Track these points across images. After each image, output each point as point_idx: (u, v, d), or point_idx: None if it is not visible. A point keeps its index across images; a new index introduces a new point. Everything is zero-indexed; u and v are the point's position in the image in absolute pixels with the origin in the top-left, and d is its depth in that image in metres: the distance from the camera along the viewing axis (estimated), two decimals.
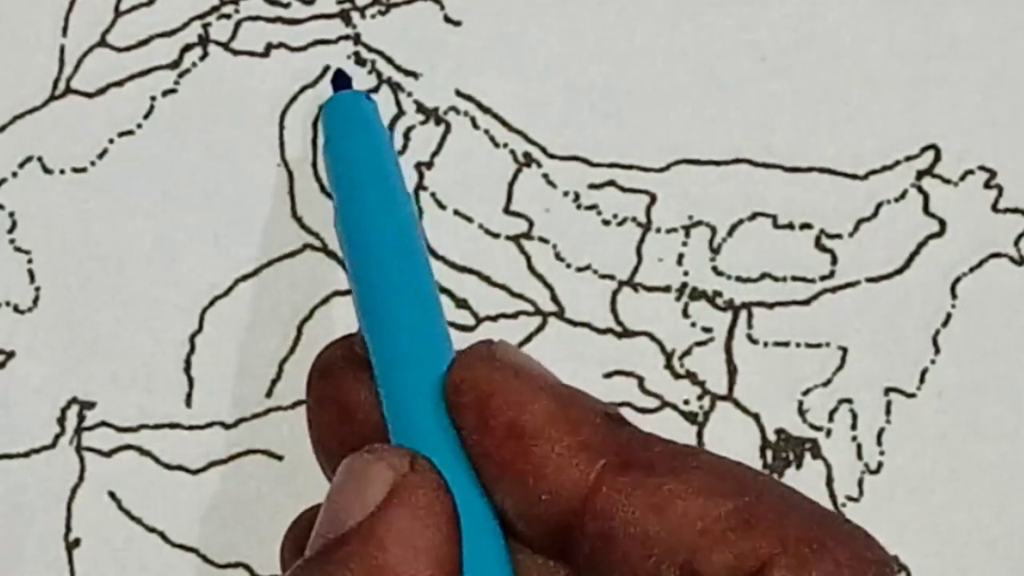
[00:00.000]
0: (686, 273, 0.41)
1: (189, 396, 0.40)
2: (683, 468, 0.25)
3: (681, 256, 0.41)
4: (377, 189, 0.33)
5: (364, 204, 0.33)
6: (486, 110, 0.41)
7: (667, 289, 0.41)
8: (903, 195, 0.41)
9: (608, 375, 0.40)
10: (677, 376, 0.40)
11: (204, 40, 0.42)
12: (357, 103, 0.37)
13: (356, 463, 0.27)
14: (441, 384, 0.28)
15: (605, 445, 0.26)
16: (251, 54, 0.42)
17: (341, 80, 0.39)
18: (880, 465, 0.40)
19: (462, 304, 0.40)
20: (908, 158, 0.41)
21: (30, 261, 0.41)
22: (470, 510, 0.27)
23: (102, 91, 0.42)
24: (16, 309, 0.41)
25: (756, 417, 0.40)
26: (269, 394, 0.40)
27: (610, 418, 0.27)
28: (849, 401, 0.40)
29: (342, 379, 0.30)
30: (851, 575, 0.24)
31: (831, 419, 0.40)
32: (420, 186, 0.41)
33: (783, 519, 0.24)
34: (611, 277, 0.41)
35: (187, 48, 0.42)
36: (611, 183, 0.41)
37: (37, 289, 0.41)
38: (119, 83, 0.42)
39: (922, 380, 0.40)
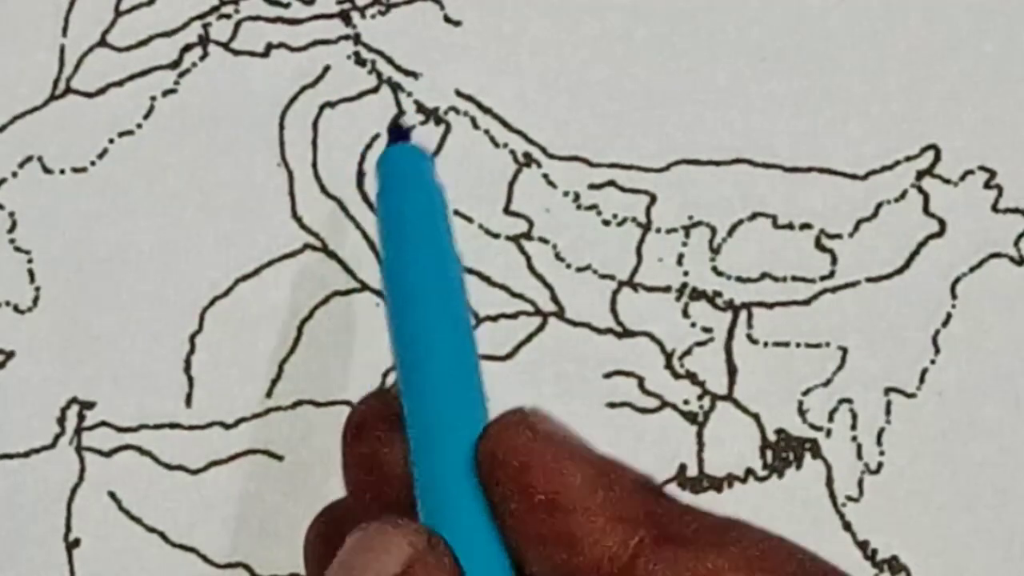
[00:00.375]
0: (686, 273, 0.41)
1: (189, 396, 0.40)
2: (723, 542, 0.25)
3: (681, 256, 0.41)
4: (429, 249, 0.33)
5: (414, 263, 0.32)
6: (486, 110, 0.41)
7: (667, 289, 0.41)
8: (903, 195, 0.41)
9: (608, 375, 0.40)
10: (677, 376, 0.40)
11: (204, 40, 0.42)
12: (416, 159, 0.37)
13: (374, 533, 0.27)
14: (474, 452, 0.28)
15: (643, 517, 0.26)
16: (251, 54, 0.42)
17: (399, 132, 0.38)
18: (880, 465, 0.40)
19: None
20: (908, 158, 0.41)
21: (30, 261, 0.41)
22: None
23: (102, 91, 0.42)
24: (16, 309, 0.41)
25: (756, 417, 0.40)
26: (269, 394, 0.40)
27: (648, 489, 0.27)
28: (849, 401, 0.40)
29: (377, 437, 0.30)
30: None
31: (831, 419, 0.40)
32: None
33: None
34: (611, 277, 0.41)
35: (187, 48, 0.42)
36: (611, 183, 0.41)
37: (37, 289, 0.41)
38: (119, 83, 0.42)
39: (922, 380, 0.40)
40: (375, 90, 0.42)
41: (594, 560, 0.26)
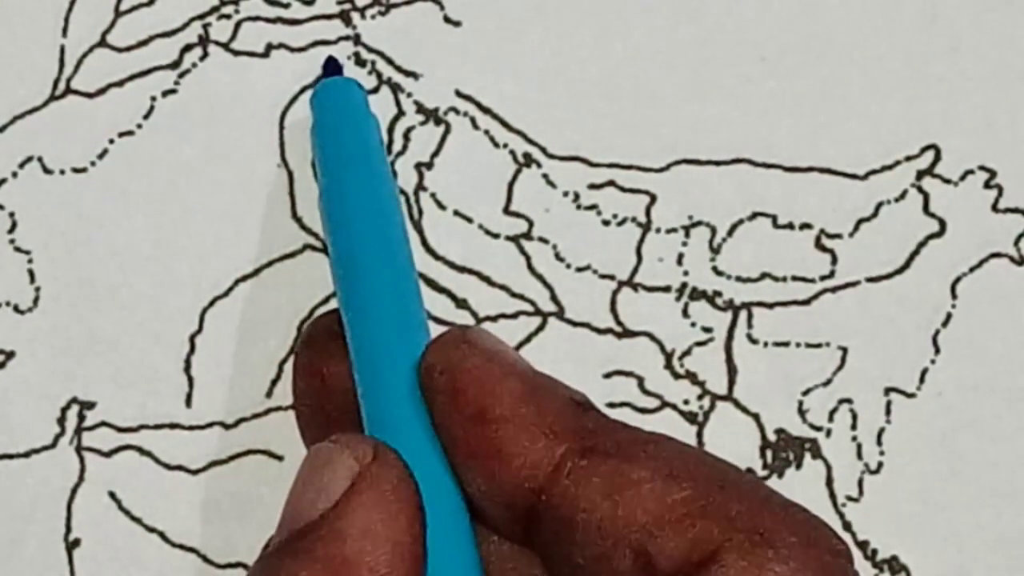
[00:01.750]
0: (686, 273, 0.41)
1: (189, 396, 0.40)
2: (642, 454, 0.26)
3: (681, 256, 0.41)
4: (362, 174, 0.34)
5: (348, 187, 0.33)
6: (486, 110, 0.41)
7: (667, 289, 0.41)
8: (903, 195, 0.41)
9: (608, 375, 0.40)
10: (677, 376, 0.40)
11: (204, 40, 0.42)
12: (347, 89, 0.38)
13: (320, 452, 0.27)
14: (415, 368, 0.28)
15: (568, 431, 0.26)
16: (251, 54, 0.42)
17: (332, 66, 0.39)
18: (880, 465, 0.40)
19: (462, 304, 0.40)
20: (908, 158, 0.41)
21: (30, 261, 0.41)
22: (438, 497, 0.27)
23: (102, 91, 0.42)
24: (16, 309, 0.41)
25: (756, 417, 0.40)
26: (269, 394, 0.40)
27: (577, 404, 0.27)
28: (849, 401, 0.40)
29: (324, 350, 0.31)
30: (802, 562, 0.24)
31: (831, 419, 0.40)
32: (420, 186, 0.41)
33: (737, 506, 0.25)
34: (611, 277, 0.41)
35: (187, 48, 0.42)
36: (611, 183, 0.41)
37: (37, 289, 0.41)
38: (119, 83, 0.42)
39: (922, 380, 0.40)
40: (375, 91, 0.42)
41: (519, 471, 0.26)
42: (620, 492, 0.25)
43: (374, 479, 0.26)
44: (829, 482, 0.40)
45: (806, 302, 0.41)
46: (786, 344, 0.40)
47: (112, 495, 0.40)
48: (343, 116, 0.36)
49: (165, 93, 0.42)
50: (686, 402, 0.40)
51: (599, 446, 0.26)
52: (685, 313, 0.40)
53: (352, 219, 0.32)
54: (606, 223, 0.41)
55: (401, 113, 0.41)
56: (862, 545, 0.39)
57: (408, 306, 0.31)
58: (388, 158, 0.35)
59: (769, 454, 0.40)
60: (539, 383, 0.28)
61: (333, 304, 0.40)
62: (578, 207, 0.41)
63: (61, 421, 0.40)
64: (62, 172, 0.41)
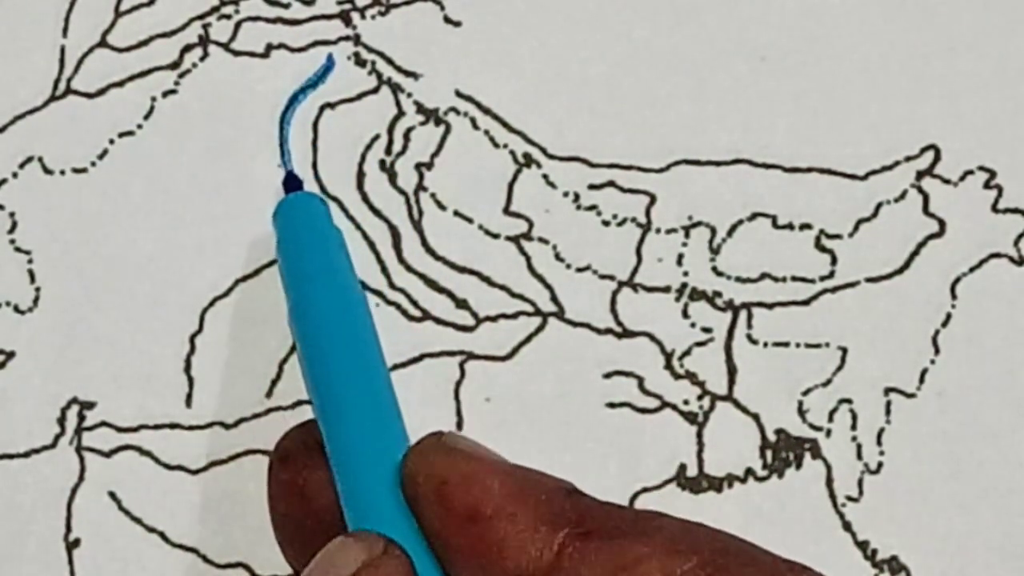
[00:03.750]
0: (686, 273, 0.41)
1: (189, 396, 0.40)
2: (645, 531, 0.26)
3: (681, 256, 0.41)
4: (330, 285, 0.34)
5: (316, 300, 0.34)
6: (486, 110, 0.41)
7: (667, 289, 0.41)
8: (903, 195, 0.41)
9: (608, 375, 0.40)
10: (677, 376, 0.40)
11: (204, 40, 0.42)
12: (310, 205, 0.38)
13: (336, 545, 0.28)
14: (397, 475, 0.29)
15: (565, 516, 0.27)
16: (251, 54, 0.42)
17: (292, 183, 0.40)
18: (880, 465, 0.40)
19: (462, 304, 0.40)
20: (908, 158, 0.41)
21: (30, 261, 0.41)
22: None
23: (102, 91, 0.42)
24: (16, 309, 0.41)
25: (756, 417, 0.40)
26: (269, 394, 0.40)
27: (567, 491, 0.28)
28: (849, 401, 0.40)
29: (302, 465, 0.31)
30: None
31: (831, 419, 0.40)
32: (420, 186, 0.41)
33: (744, 570, 0.25)
34: (611, 277, 0.41)
35: (187, 48, 0.42)
36: (611, 183, 0.41)
37: (37, 289, 0.41)
38: (119, 83, 0.42)
39: (922, 380, 0.40)
40: (375, 91, 0.42)
41: (521, 562, 0.26)
42: (626, 570, 0.25)
43: (383, 569, 0.27)
44: (829, 482, 0.40)
45: (806, 302, 0.41)
46: (786, 344, 0.40)
47: (112, 495, 0.40)
48: (305, 231, 0.37)
49: (165, 93, 0.42)
50: (686, 402, 0.40)
51: (598, 528, 0.26)
52: (685, 313, 0.40)
53: (322, 332, 0.33)
54: (606, 223, 0.41)
55: (401, 113, 0.41)
56: (862, 545, 0.39)
57: (385, 413, 0.31)
58: (354, 269, 0.36)
59: (769, 454, 0.40)
60: (526, 476, 0.28)
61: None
62: (578, 207, 0.41)
63: (61, 421, 0.40)
64: (62, 172, 0.41)
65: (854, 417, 0.40)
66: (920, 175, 0.41)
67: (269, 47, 0.42)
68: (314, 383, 0.32)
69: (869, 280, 0.41)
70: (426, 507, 0.28)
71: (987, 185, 0.41)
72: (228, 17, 0.42)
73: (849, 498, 0.40)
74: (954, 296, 0.40)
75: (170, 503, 0.40)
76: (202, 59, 0.42)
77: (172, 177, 0.41)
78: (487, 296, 0.41)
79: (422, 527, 0.28)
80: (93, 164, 0.41)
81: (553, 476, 0.28)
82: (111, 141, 0.41)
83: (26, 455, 0.40)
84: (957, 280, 0.40)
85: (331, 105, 0.42)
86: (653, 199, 0.41)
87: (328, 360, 0.32)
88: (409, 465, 0.29)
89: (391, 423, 0.31)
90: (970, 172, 0.41)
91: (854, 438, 0.40)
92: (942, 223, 0.41)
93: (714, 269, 0.41)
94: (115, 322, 0.40)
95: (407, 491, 0.28)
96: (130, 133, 0.42)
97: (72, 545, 0.40)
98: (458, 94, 0.41)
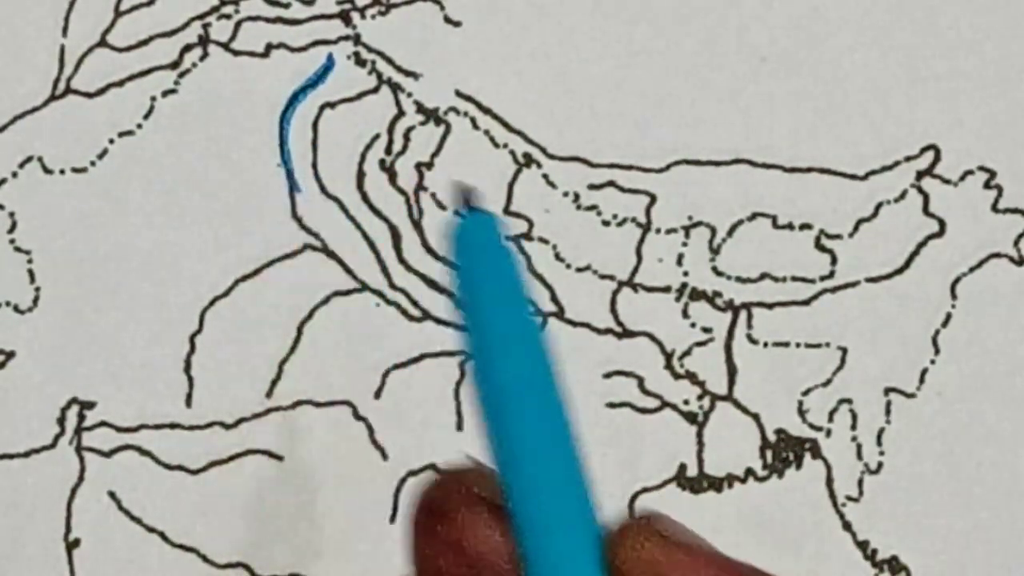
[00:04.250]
0: (686, 273, 0.41)
1: (189, 396, 0.40)
2: None
3: (681, 256, 0.41)
4: (517, 341, 0.32)
5: (504, 361, 0.31)
6: (486, 110, 0.41)
7: (667, 289, 0.41)
8: (903, 195, 0.41)
9: (608, 375, 0.40)
10: (677, 376, 0.40)
11: (204, 40, 0.42)
12: (491, 230, 0.34)
13: None
14: (600, 555, 0.27)
15: None
16: (251, 54, 0.42)
17: (468, 199, 0.36)
18: (880, 465, 0.40)
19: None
20: (908, 158, 0.41)
21: (30, 261, 0.41)
22: None
23: (102, 91, 0.42)
24: (16, 309, 0.41)
25: (756, 417, 0.40)
26: (269, 394, 0.40)
27: None
28: (849, 401, 0.40)
29: (468, 523, 0.29)
30: None
31: (831, 419, 0.40)
32: (420, 186, 0.41)
33: None
34: (611, 277, 0.41)
35: (187, 48, 0.42)
36: (611, 183, 0.41)
37: (37, 289, 0.41)
38: (119, 83, 0.42)
39: (922, 380, 0.40)
40: (375, 90, 0.42)
41: None
42: None
43: None
44: (829, 482, 0.40)
45: (806, 302, 0.41)
46: (786, 344, 0.40)
47: (112, 495, 0.40)
48: (491, 269, 0.34)
49: (165, 93, 0.42)
50: (686, 402, 0.40)
51: None
52: (685, 313, 0.40)
53: (513, 400, 0.31)
54: (606, 223, 0.41)
55: (401, 113, 0.41)
56: (862, 545, 0.39)
57: (580, 478, 0.30)
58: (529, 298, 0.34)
59: (769, 454, 0.40)
60: (741, 570, 0.27)
61: (333, 304, 0.40)
62: (578, 207, 0.41)
63: (61, 421, 0.40)
64: (62, 172, 0.41)
65: (854, 417, 0.40)
66: (920, 175, 0.41)
67: (269, 47, 0.42)
68: (505, 443, 0.29)
69: (869, 280, 0.41)
70: None
71: (987, 185, 0.41)
72: (228, 17, 0.42)
73: (849, 498, 0.40)
74: (954, 296, 0.40)
75: (170, 503, 0.40)
76: (202, 59, 0.42)
77: (172, 177, 0.41)
78: None
79: None
80: (93, 164, 0.41)
81: (764, 571, 0.27)
82: (111, 141, 0.41)
83: (26, 455, 0.40)
84: (957, 280, 0.40)
85: (331, 105, 0.42)
86: (653, 199, 0.41)
87: (520, 430, 0.30)
88: (621, 551, 0.27)
89: (586, 490, 0.29)
90: (970, 172, 0.41)
91: (854, 438, 0.40)
92: (942, 223, 0.41)
93: (714, 269, 0.41)
94: (115, 322, 0.40)
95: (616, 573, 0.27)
96: (130, 133, 0.41)
97: (72, 545, 0.40)
98: (458, 94, 0.41)
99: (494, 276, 0.33)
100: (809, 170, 0.41)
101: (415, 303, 0.40)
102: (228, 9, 0.42)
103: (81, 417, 0.40)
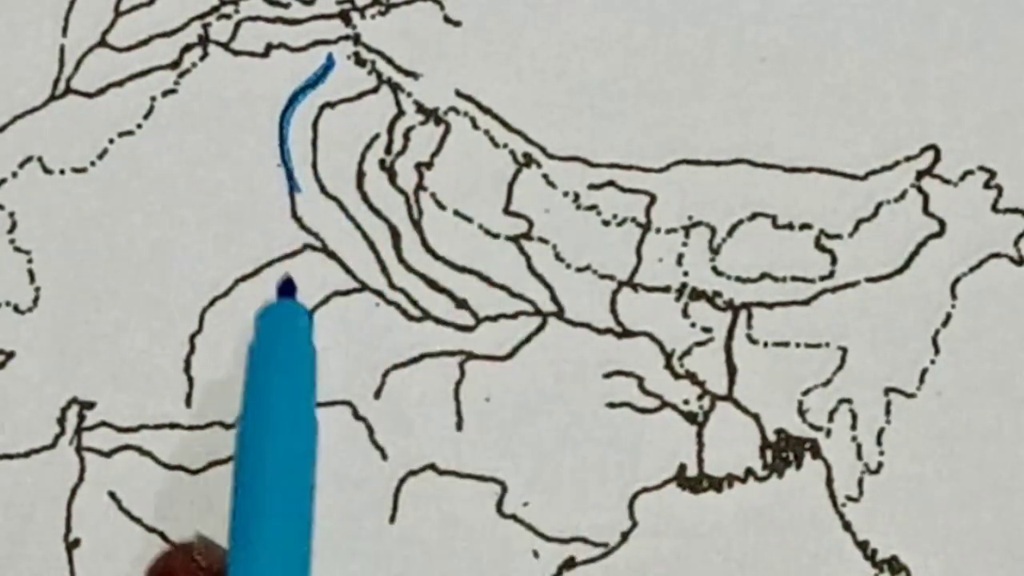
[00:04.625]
0: (686, 273, 0.41)
1: (189, 396, 0.40)
2: None
3: (681, 256, 0.41)
4: (287, 410, 0.35)
5: (270, 428, 0.34)
6: (486, 110, 0.41)
7: (667, 289, 0.41)
8: (903, 195, 0.41)
9: (608, 375, 0.40)
10: (677, 376, 0.40)
11: (204, 40, 0.42)
12: (295, 316, 0.38)
13: None
14: None
15: None
16: (251, 54, 0.42)
17: (287, 288, 0.39)
18: (880, 465, 0.40)
19: (462, 304, 0.40)
20: (908, 158, 0.41)
21: (30, 261, 0.41)
22: None
23: (102, 91, 0.42)
24: (16, 309, 0.41)
25: (756, 417, 0.40)
26: None
27: None
28: (849, 401, 0.40)
29: None
30: None
31: (831, 419, 0.40)
32: (420, 186, 0.41)
33: None
34: (611, 277, 0.41)
35: (187, 48, 0.42)
36: (611, 183, 0.41)
37: (37, 289, 0.41)
38: (119, 83, 0.42)
39: (922, 380, 0.40)
40: (375, 90, 0.42)
41: None
42: None
43: None
44: (829, 482, 0.40)
45: (806, 302, 0.41)
46: (786, 344, 0.40)
47: (112, 495, 0.40)
48: (283, 342, 0.37)
49: (165, 93, 0.42)
50: (686, 402, 0.40)
51: None
52: (685, 313, 0.40)
53: (262, 463, 0.34)
54: (606, 223, 0.41)
55: (401, 113, 0.41)
56: (862, 545, 0.39)
57: (296, 559, 0.32)
58: (315, 397, 0.36)
59: (769, 454, 0.40)
60: None
61: (332, 304, 0.40)
62: (578, 207, 0.41)
63: (61, 421, 0.40)
64: (62, 172, 0.41)
65: (854, 417, 0.40)
66: (920, 175, 0.41)
67: (269, 47, 0.42)
68: (237, 511, 0.33)
69: (869, 280, 0.41)
70: None
71: (987, 185, 0.41)
72: (228, 17, 0.42)
73: (849, 498, 0.40)
74: (954, 296, 0.40)
75: (170, 503, 0.40)
76: (202, 59, 0.42)
77: (172, 177, 0.41)
78: (487, 296, 0.41)
79: None
80: (93, 164, 0.41)
81: None
82: (111, 141, 0.41)
83: (26, 455, 0.40)
84: (957, 280, 0.40)
85: (331, 105, 0.42)
86: (653, 199, 0.41)
87: (258, 493, 0.33)
88: None
89: (298, 560, 0.32)
90: (970, 172, 0.41)
91: (854, 438, 0.40)
92: (942, 223, 0.41)
93: (714, 269, 0.41)
94: (115, 322, 0.40)
95: None
96: (130, 133, 0.41)
97: (72, 545, 0.40)
98: (458, 94, 0.41)
99: (288, 363, 0.36)
100: (809, 170, 0.41)
101: (415, 303, 0.40)
102: (228, 9, 0.42)
103: (81, 417, 0.40)
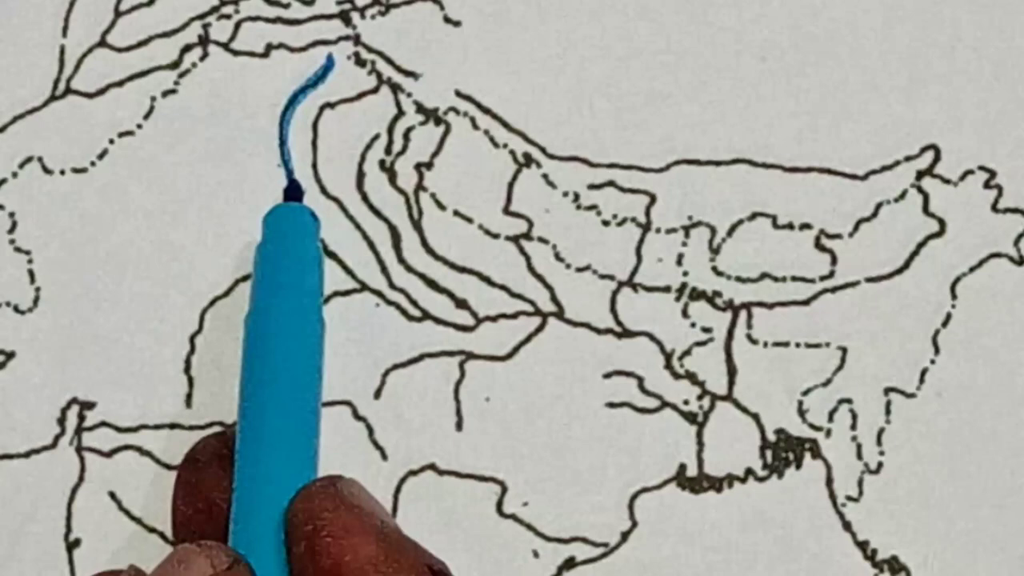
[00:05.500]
0: (686, 273, 0.41)
1: (189, 396, 0.40)
2: None
3: (681, 256, 0.41)
4: (294, 304, 0.35)
5: (274, 315, 0.34)
6: (486, 110, 0.41)
7: (667, 289, 0.41)
8: (903, 195, 0.41)
9: (608, 375, 0.40)
10: (677, 376, 0.40)
11: (204, 40, 0.42)
12: (300, 218, 0.38)
13: (181, 551, 0.28)
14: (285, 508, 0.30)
15: None
16: (251, 54, 0.42)
17: (293, 191, 0.40)
18: (880, 465, 0.40)
19: (462, 304, 0.40)
20: (908, 158, 0.41)
21: (30, 261, 0.41)
22: None
23: (102, 91, 0.42)
24: (16, 309, 0.41)
25: (756, 417, 0.40)
26: None
27: (433, 572, 0.28)
28: (849, 401, 0.40)
29: (206, 471, 0.32)
30: None
31: (831, 419, 0.40)
32: (420, 186, 0.41)
33: None
34: (611, 277, 0.41)
35: (187, 48, 0.42)
36: (611, 183, 0.41)
37: (37, 289, 0.41)
38: (119, 83, 0.42)
39: (922, 380, 0.40)
40: (375, 90, 0.42)
41: None
42: None
43: None
44: (829, 482, 0.40)
45: (806, 302, 0.41)
46: (786, 344, 0.40)
47: (112, 495, 0.40)
48: (289, 245, 0.37)
49: (165, 93, 0.42)
50: (686, 402, 0.40)
51: None
52: (685, 313, 0.40)
53: (268, 351, 0.34)
54: (606, 223, 0.41)
55: (401, 113, 0.41)
56: (862, 545, 0.39)
57: (303, 445, 0.32)
58: (321, 294, 0.36)
59: (769, 454, 0.40)
60: (399, 545, 0.28)
61: (332, 304, 0.40)
62: (578, 207, 0.41)
63: (61, 421, 0.40)
64: (62, 172, 0.41)
65: (854, 417, 0.40)
66: (920, 175, 0.41)
67: (269, 47, 0.42)
68: (243, 396, 0.33)
69: (869, 280, 0.41)
70: (297, 548, 0.28)
71: (987, 185, 0.41)
72: (228, 17, 0.42)
73: (849, 498, 0.40)
74: (954, 296, 0.40)
75: (170, 503, 0.40)
76: (202, 59, 0.42)
77: (172, 177, 0.41)
78: (487, 296, 0.41)
79: (289, 567, 0.29)
80: (93, 164, 0.41)
81: (428, 552, 0.29)
82: (111, 141, 0.41)
83: (26, 455, 0.40)
84: (957, 280, 0.40)
85: (331, 105, 0.42)
86: (653, 199, 0.41)
87: (264, 378, 0.33)
88: (293, 505, 0.29)
89: (303, 458, 0.32)
90: (970, 172, 0.41)
91: (854, 438, 0.40)
92: (942, 223, 0.41)
93: (714, 269, 0.41)
94: (115, 322, 0.40)
95: (285, 529, 0.29)
96: (130, 133, 0.41)
97: (72, 545, 0.40)
98: (458, 94, 0.41)
99: (292, 263, 0.36)
100: (809, 170, 0.41)
101: (415, 303, 0.40)
102: (228, 9, 0.42)
103: (81, 417, 0.40)
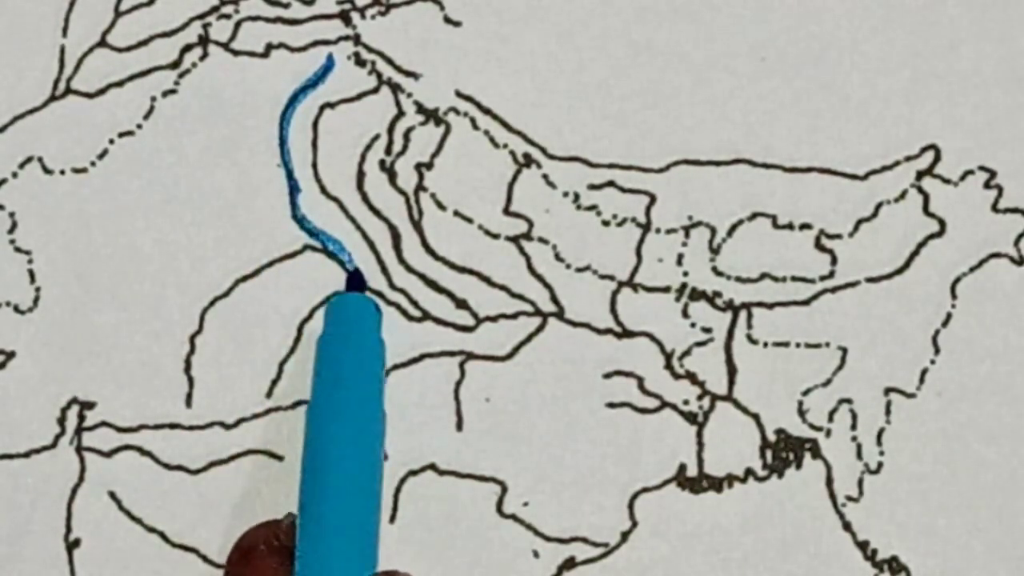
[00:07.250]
0: (686, 273, 0.41)
1: (189, 396, 0.40)
2: None
3: (681, 256, 0.41)
4: (356, 397, 0.35)
5: (339, 407, 0.35)
6: (486, 110, 0.41)
7: (667, 289, 0.41)
8: (903, 195, 0.41)
9: (608, 375, 0.40)
10: (677, 376, 0.40)
11: (204, 40, 0.42)
12: (366, 311, 0.38)
13: None
14: None
15: None
16: (251, 54, 0.42)
17: (357, 281, 0.40)
18: (880, 465, 0.40)
19: (462, 304, 0.40)
20: (908, 158, 0.41)
21: (30, 261, 0.41)
22: None
23: (102, 91, 0.42)
24: (16, 309, 0.41)
25: (756, 417, 0.40)
26: (269, 394, 0.40)
27: None
28: (849, 401, 0.40)
29: (260, 563, 0.33)
30: None
31: (831, 419, 0.40)
32: (420, 186, 0.41)
33: None
34: (611, 277, 0.41)
35: (187, 48, 0.42)
36: (611, 183, 0.41)
37: (37, 289, 0.41)
38: (119, 83, 0.42)
39: (922, 380, 0.40)
40: (375, 90, 0.42)
41: None
42: None
43: None
44: (829, 482, 0.40)
45: (806, 302, 0.41)
46: (786, 344, 0.40)
47: (112, 495, 0.40)
48: (353, 333, 0.38)
49: (165, 93, 0.42)
50: (686, 402, 0.40)
51: None
52: (685, 313, 0.40)
53: (332, 444, 0.34)
54: (606, 223, 0.41)
55: (401, 113, 0.41)
56: (862, 545, 0.39)
57: (362, 541, 0.33)
58: (385, 383, 0.37)
59: (769, 454, 0.40)
60: None
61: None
62: (578, 207, 0.41)
63: (61, 421, 0.40)
64: (62, 172, 0.41)
65: (854, 417, 0.40)
66: (920, 175, 0.41)
67: (269, 47, 0.42)
68: (305, 487, 0.33)
69: (869, 280, 0.41)
70: None
71: (987, 185, 0.41)
72: (228, 17, 0.42)
73: (849, 498, 0.40)
74: (954, 296, 0.40)
75: (170, 503, 0.40)
76: (202, 59, 0.42)
77: (172, 177, 0.41)
78: (487, 296, 0.41)
79: None
80: (93, 164, 0.41)
81: None
82: (111, 141, 0.41)
83: (26, 455, 0.40)
84: (957, 280, 0.40)
85: (331, 105, 0.42)
86: (653, 199, 0.41)
87: (326, 471, 0.34)
88: None
89: (364, 551, 0.33)
90: (970, 172, 0.41)
91: (854, 438, 0.40)
92: (942, 223, 0.41)
93: (714, 269, 0.41)
94: (115, 322, 0.40)
95: None
96: (130, 133, 0.41)
97: (72, 545, 0.40)
98: (458, 94, 0.41)
99: (355, 356, 0.36)
100: (809, 170, 0.41)
101: (415, 303, 0.40)
102: (228, 9, 0.42)
103: (81, 417, 0.40)
